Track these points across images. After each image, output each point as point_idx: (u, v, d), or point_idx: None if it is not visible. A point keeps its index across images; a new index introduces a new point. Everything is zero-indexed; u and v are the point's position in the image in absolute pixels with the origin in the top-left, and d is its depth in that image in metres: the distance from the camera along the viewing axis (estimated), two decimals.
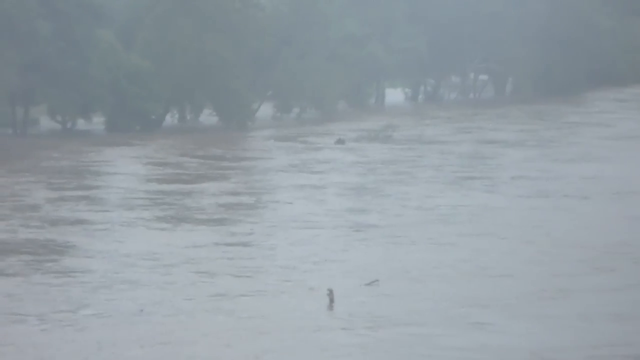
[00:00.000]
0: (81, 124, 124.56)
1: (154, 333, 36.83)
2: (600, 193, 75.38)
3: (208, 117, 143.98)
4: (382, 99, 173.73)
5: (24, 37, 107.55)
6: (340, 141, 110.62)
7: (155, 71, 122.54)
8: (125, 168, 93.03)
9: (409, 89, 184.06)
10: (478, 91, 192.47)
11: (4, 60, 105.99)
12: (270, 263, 50.99)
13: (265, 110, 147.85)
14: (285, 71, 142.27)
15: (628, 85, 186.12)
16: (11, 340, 35.65)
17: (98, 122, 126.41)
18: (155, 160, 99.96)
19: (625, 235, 58.10)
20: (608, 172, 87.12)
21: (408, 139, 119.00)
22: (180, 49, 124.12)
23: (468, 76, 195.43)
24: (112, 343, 35.08)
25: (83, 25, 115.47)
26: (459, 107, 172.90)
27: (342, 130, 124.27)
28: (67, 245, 55.88)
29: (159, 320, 38.31)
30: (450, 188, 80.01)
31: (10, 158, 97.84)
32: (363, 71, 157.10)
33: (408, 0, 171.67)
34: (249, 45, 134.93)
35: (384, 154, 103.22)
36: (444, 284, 45.54)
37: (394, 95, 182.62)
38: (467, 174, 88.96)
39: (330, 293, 40.34)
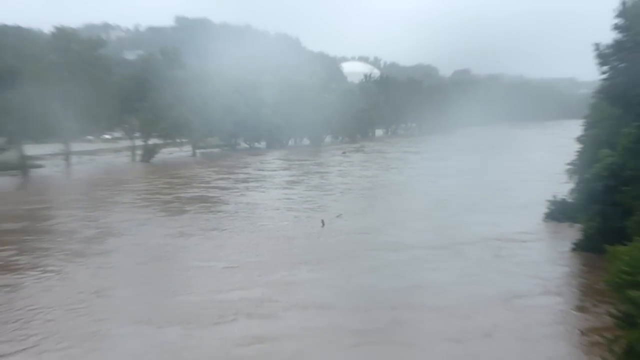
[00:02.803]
0: (256, 145, 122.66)
1: (243, 238, 39.50)
2: (446, 173, 74.55)
3: (303, 141, 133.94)
4: (373, 134, 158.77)
5: (232, 110, 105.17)
6: (344, 152, 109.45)
7: (285, 123, 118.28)
8: (260, 165, 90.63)
9: (385, 129, 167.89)
10: (414, 129, 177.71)
11: (228, 121, 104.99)
12: (298, 207, 51.83)
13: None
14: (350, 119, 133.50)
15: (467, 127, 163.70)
16: (183, 247, 36.79)
17: (263, 144, 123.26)
18: (277, 161, 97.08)
19: (454, 190, 58.47)
20: (447, 164, 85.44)
21: (372, 151, 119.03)
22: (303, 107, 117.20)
23: (410, 123, 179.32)
24: (233, 244, 37.50)
25: (256, 104, 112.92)
26: (402, 137, 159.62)
27: (350, 146, 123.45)
28: (217, 199, 57.92)
29: (241, 236, 40.23)
30: (382, 172, 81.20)
31: (215, 161, 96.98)
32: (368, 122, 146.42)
33: None
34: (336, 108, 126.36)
35: (359, 157, 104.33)
36: (373, 216, 47.73)
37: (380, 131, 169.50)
38: (390, 166, 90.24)
39: (322, 221, 42.70)
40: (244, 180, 70.59)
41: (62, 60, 75.23)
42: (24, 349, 21.61)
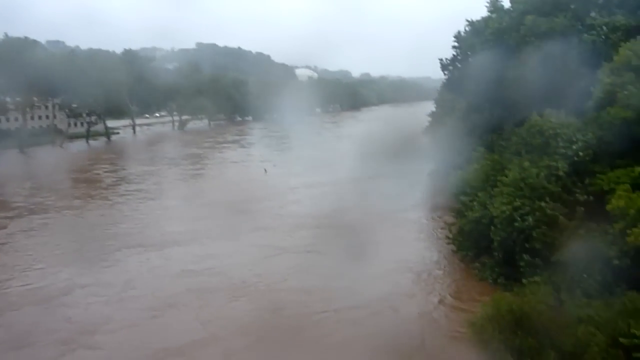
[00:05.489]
0: (246, 118, 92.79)
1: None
2: (317, 141, 49.03)
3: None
4: (315, 112, 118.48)
5: (231, 97, 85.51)
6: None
7: (262, 104, 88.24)
8: (236, 132, 71.71)
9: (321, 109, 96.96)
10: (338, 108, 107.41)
11: (229, 104, 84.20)
12: (252, 159, 43.55)
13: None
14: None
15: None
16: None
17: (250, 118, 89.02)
18: (251, 130, 73.73)
19: (348, 146, 36.98)
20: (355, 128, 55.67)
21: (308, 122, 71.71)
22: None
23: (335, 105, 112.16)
24: (205, 188, 31.38)
25: (245, 94, 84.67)
26: (330, 113, 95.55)
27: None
28: (203, 155, 46.81)
29: (211, 181, 34.01)
30: (305, 135, 48.19)
31: (218, 129, 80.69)
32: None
33: None
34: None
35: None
36: (294, 165, 38.24)
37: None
38: (311, 132, 53.42)
39: (265, 170, 36.78)
40: (223, 142, 59.10)
41: (129, 70, 67.97)
42: (44, 267, 17.81)
